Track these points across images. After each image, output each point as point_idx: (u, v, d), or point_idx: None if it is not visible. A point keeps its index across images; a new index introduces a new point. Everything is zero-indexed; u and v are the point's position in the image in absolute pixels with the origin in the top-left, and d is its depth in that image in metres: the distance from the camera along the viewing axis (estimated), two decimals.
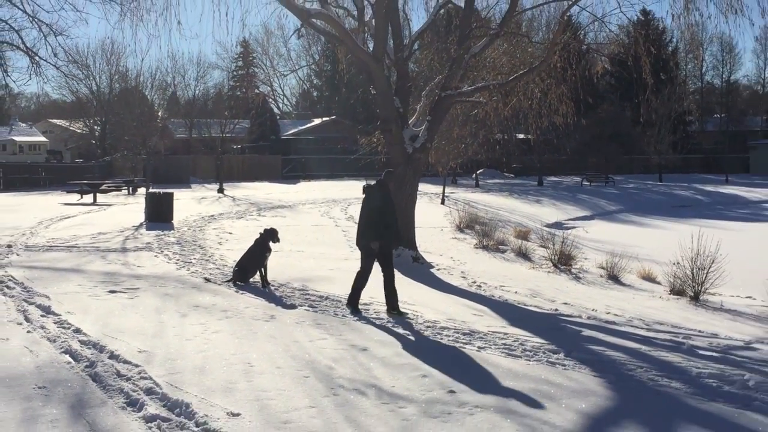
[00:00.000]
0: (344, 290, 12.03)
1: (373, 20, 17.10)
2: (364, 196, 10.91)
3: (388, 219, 10.56)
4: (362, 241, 10.71)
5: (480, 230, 22.27)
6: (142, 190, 34.98)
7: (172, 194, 23.80)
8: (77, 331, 8.73)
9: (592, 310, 11.95)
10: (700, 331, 10.45)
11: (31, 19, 25.46)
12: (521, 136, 53.64)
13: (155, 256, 15.67)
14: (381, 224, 10.45)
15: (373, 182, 11.10)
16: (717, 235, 14.97)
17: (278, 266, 13.58)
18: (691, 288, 14.10)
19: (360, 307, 10.78)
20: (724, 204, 48.20)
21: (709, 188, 56.17)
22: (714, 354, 8.76)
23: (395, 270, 10.79)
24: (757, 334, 10.75)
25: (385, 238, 10.53)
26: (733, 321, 12.08)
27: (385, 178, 11.06)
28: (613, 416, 6.39)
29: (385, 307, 10.66)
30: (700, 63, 79.26)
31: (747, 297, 14.81)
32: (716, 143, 75.58)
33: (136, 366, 7.31)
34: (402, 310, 10.50)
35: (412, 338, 9.06)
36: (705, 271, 13.97)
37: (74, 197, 32.80)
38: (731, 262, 14.50)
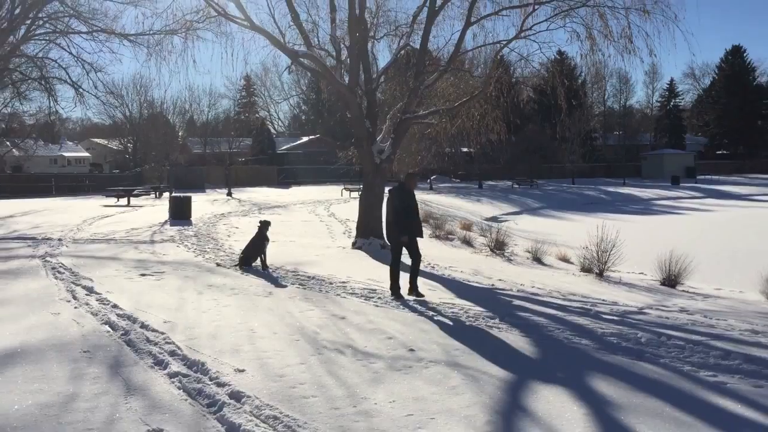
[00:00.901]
0: (327, 272, 12.01)
1: (348, 59, 17.06)
2: (388, 197, 10.10)
3: (412, 216, 9.79)
4: (390, 236, 10.04)
5: (433, 223, 22.31)
6: (166, 195, 34.54)
7: (190, 197, 23.52)
8: (115, 306, 8.62)
9: (521, 284, 12.01)
10: (603, 300, 10.55)
11: (75, 59, 25.41)
12: (465, 149, 53.95)
13: (177, 246, 15.49)
14: (401, 222, 9.70)
15: (396, 185, 10.13)
16: (617, 225, 15.16)
17: (275, 253, 13.47)
18: (596, 266, 14.23)
19: (349, 285, 10.69)
20: (622, 201, 48.87)
21: (611, 189, 56.86)
22: (614, 318, 8.86)
23: (402, 258, 9.97)
24: (648, 302, 10.89)
25: (410, 232, 9.76)
26: (629, 292, 12.21)
27: (405, 179, 10.12)
28: (538, 366, 6.45)
29: (379, 287, 10.22)
30: (603, 92, 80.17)
31: (640, 273, 14.98)
32: (616, 154, 76.55)
33: (162, 333, 7.23)
34: (400, 293, 9.77)
35: (379, 308, 9.04)
36: (607, 254, 14.08)
37: (112, 201, 32.27)
38: (628, 246, 14.66)
